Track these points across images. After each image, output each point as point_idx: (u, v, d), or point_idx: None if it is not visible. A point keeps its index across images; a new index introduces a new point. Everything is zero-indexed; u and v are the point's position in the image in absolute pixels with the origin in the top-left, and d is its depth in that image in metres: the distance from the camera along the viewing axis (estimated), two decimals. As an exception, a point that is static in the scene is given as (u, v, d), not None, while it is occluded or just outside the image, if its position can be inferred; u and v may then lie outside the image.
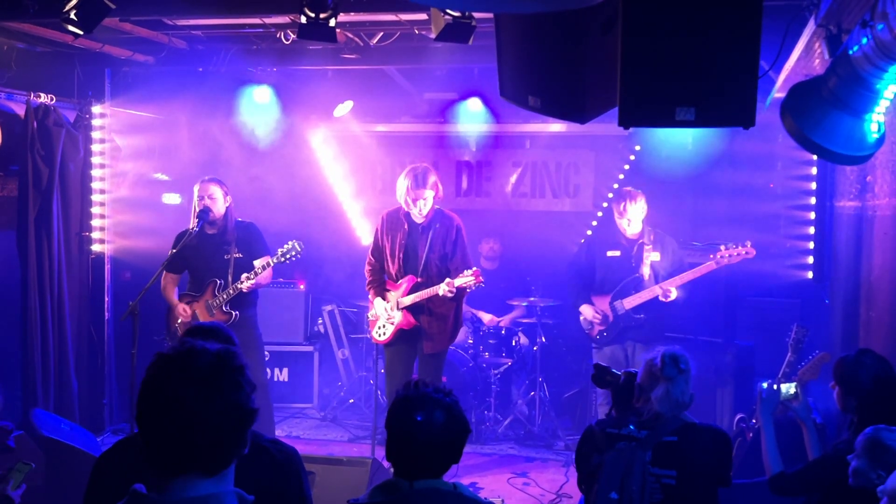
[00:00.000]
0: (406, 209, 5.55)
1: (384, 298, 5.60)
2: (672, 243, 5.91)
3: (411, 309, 5.52)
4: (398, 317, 5.54)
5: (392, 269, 5.61)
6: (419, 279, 5.50)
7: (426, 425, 2.40)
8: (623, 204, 5.83)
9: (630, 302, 5.80)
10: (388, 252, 5.62)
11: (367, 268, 5.76)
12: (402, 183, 5.51)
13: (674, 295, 5.69)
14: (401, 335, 5.57)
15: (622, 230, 5.91)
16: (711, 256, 5.65)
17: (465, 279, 5.34)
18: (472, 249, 6.02)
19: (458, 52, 5.58)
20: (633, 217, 5.82)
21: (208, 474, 1.73)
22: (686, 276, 5.70)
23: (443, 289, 5.35)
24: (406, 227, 5.57)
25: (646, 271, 5.80)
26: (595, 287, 6.00)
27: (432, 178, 5.50)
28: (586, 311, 5.98)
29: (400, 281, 5.57)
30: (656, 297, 5.71)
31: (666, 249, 5.87)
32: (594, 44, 3.19)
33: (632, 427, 3.33)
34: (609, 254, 5.94)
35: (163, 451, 1.72)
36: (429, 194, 5.47)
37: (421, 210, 5.48)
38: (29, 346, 5.99)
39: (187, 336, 2.72)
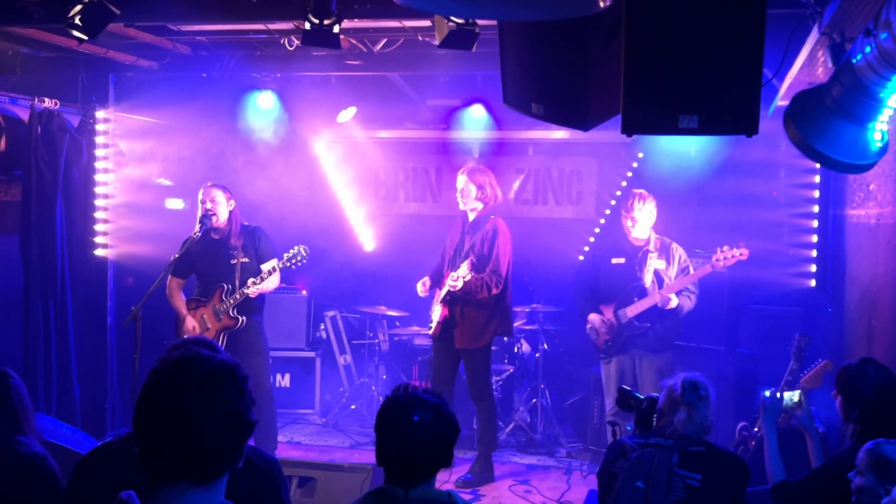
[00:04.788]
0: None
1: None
2: (680, 252, 5.76)
3: (449, 303, 5.77)
4: (438, 310, 5.86)
5: (444, 266, 5.94)
6: None
7: (418, 426, 2.41)
8: (631, 202, 5.69)
9: (632, 310, 5.65)
10: (445, 250, 5.97)
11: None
12: None
13: (674, 302, 5.57)
14: (443, 330, 5.85)
15: (626, 231, 5.76)
16: (709, 260, 5.57)
17: (460, 271, 5.56)
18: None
19: (462, 59, 5.57)
20: (640, 218, 5.67)
21: (199, 483, 1.70)
22: (683, 280, 5.62)
23: (448, 283, 5.63)
24: (460, 226, 5.94)
25: (647, 278, 5.66)
26: (601, 296, 5.88)
27: (478, 176, 5.79)
28: (594, 320, 5.86)
29: (445, 277, 5.83)
30: (658, 305, 5.60)
31: (672, 258, 5.73)
32: (597, 51, 3.19)
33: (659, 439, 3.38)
34: (614, 261, 5.82)
35: (157, 456, 1.69)
36: (469, 188, 5.76)
37: (460, 203, 5.84)
38: (31, 351, 5.98)
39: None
